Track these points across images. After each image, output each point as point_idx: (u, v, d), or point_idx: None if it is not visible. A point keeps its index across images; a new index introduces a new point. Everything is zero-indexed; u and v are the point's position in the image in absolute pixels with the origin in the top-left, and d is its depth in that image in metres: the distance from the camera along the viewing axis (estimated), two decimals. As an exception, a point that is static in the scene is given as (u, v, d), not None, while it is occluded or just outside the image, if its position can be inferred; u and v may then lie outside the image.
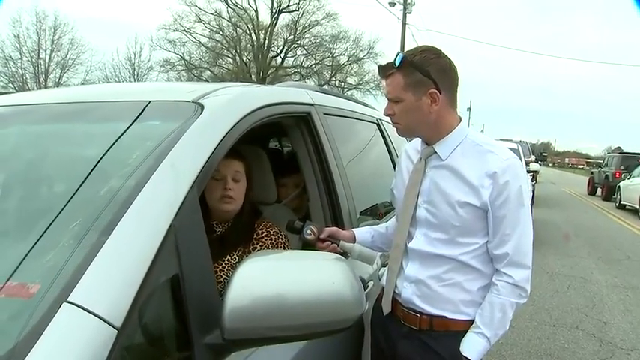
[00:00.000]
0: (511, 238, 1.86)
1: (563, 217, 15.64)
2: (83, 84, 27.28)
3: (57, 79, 31.62)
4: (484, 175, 1.84)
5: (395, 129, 2.02)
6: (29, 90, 24.05)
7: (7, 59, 30.17)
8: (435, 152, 1.94)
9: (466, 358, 1.88)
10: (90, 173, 1.40)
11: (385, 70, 1.92)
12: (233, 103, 1.79)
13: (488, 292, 1.91)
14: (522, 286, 1.88)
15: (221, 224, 2.19)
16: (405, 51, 1.94)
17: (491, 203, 1.84)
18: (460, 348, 1.89)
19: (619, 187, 20.03)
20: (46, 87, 29.02)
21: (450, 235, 1.89)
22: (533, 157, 19.16)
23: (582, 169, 71.70)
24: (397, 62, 1.87)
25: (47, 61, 31.77)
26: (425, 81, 1.85)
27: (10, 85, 30.00)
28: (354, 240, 2.15)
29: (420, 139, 2.03)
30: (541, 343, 5.30)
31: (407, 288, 1.98)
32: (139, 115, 1.67)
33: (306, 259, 1.40)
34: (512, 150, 9.30)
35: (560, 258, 9.50)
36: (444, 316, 1.93)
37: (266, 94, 2.08)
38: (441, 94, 1.86)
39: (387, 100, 1.95)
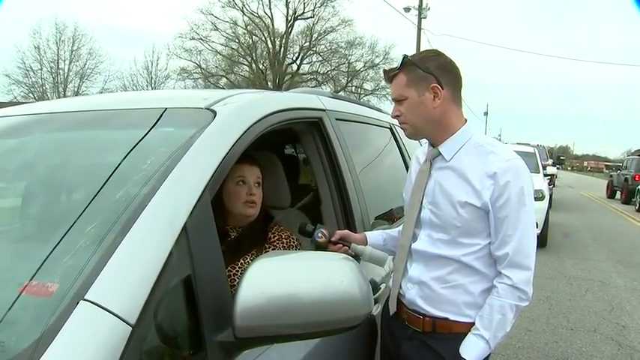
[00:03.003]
0: (512, 239, 1.85)
1: (581, 221, 15.50)
2: (101, 93, 27.59)
3: (76, 89, 32.07)
4: (485, 176, 1.85)
5: (404, 131, 2.06)
6: (49, 100, 24.38)
7: (27, 70, 30.71)
8: (440, 153, 1.97)
9: None
10: (106, 178, 1.45)
11: (389, 74, 1.98)
12: (244, 109, 1.84)
13: (490, 295, 1.91)
14: (522, 289, 1.87)
15: (236, 229, 2.24)
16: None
17: (492, 204, 1.84)
18: (460, 350, 1.89)
19: (639, 189, 19.82)
20: (65, 96, 29.37)
21: (451, 236, 1.91)
22: (550, 161, 19.01)
23: (601, 172, 70.84)
24: (399, 62, 1.94)
25: (66, 71, 32.30)
26: (426, 77, 1.91)
27: (31, 95, 30.46)
28: (365, 243, 2.18)
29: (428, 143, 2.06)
30: (558, 346, 5.27)
31: (411, 290, 2.01)
32: (157, 121, 1.72)
33: (314, 259, 1.44)
34: (529, 154, 9.25)
35: (578, 262, 9.43)
36: (447, 318, 1.94)
37: (277, 101, 2.12)
38: (443, 89, 1.91)
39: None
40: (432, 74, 1.90)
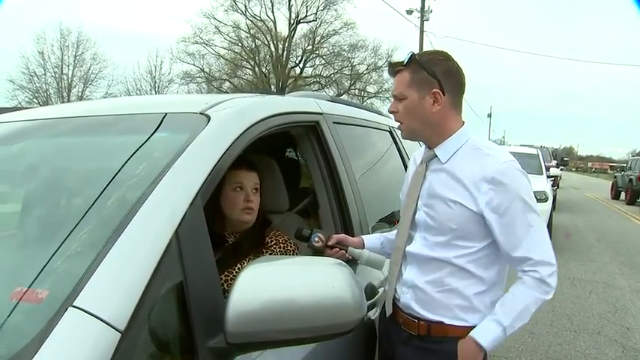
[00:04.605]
0: (525, 241, 1.82)
1: (585, 222, 15.45)
2: (105, 98, 27.65)
3: (79, 94, 32.11)
4: (482, 179, 1.83)
5: (400, 131, 2.04)
6: (53, 105, 24.38)
7: (31, 75, 30.78)
8: (436, 155, 1.96)
9: (477, 343, 1.82)
10: (98, 184, 1.45)
11: (394, 68, 1.97)
12: (239, 113, 1.83)
13: (513, 284, 1.87)
14: (548, 282, 1.82)
15: (233, 234, 2.23)
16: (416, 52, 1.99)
17: (493, 208, 1.82)
18: (472, 334, 1.84)
19: (643, 190, 19.78)
20: (69, 101, 29.45)
21: (447, 238, 1.89)
22: (554, 162, 18.95)
23: (606, 173, 70.60)
24: (405, 60, 1.92)
25: (70, 76, 32.33)
26: (430, 80, 1.89)
27: (35, 100, 30.52)
28: (362, 246, 2.17)
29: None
30: (562, 349, 5.24)
31: (406, 294, 1.99)
32: (157, 127, 1.72)
33: (306, 265, 1.43)
34: (532, 155, 9.21)
35: (582, 264, 9.40)
36: (442, 322, 1.92)
37: (273, 105, 2.11)
38: (444, 95, 1.89)
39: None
40: (436, 79, 1.89)
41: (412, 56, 1.92)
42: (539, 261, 1.83)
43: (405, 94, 1.92)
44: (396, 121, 2.00)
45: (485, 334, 1.83)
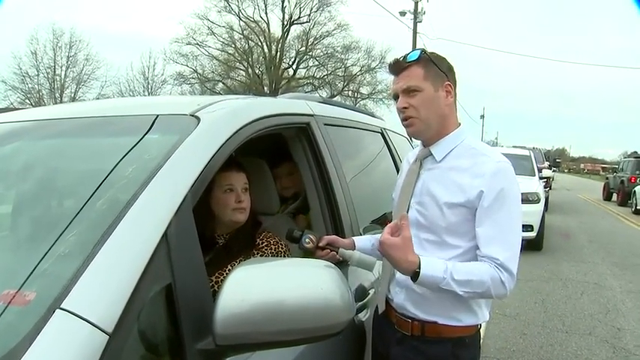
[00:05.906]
0: (497, 242, 1.82)
1: (577, 223, 15.50)
2: (98, 99, 27.52)
3: (72, 95, 31.98)
4: (474, 176, 1.86)
5: (406, 128, 2.01)
6: (46, 106, 24.26)
7: (24, 76, 30.63)
8: (431, 154, 1.98)
9: (418, 264, 1.76)
10: (87, 186, 1.44)
11: (402, 64, 1.97)
12: (229, 115, 1.83)
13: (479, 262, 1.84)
14: (506, 287, 1.80)
15: (223, 236, 2.23)
16: None
17: (480, 204, 1.83)
18: (422, 258, 1.79)
19: (635, 191, 19.83)
20: (61, 102, 29.32)
21: (438, 237, 1.91)
22: (546, 164, 19.04)
23: (598, 174, 70.92)
24: (416, 55, 1.95)
25: (63, 77, 32.19)
26: (441, 74, 1.95)
27: (27, 101, 30.37)
28: (353, 248, 2.17)
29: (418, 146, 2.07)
30: (553, 350, 5.27)
31: (399, 294, 2.01)
32: (149, 129, 1.71)
33: (294, 266, 1.44)
34: (524, 157, 9.26)
35: (574, 264, 9.43)
36: (435, 322, 1.93)
37: (264, 106, 2.11)
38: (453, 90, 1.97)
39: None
40: (444, 73, 1.96)
41: (422, 53, 1.96)
42: (503, 266, 1.81)
43: (421, 86, 1.92)
44: (407, 117, 1.96)
45: (430, 266, 1.78)
